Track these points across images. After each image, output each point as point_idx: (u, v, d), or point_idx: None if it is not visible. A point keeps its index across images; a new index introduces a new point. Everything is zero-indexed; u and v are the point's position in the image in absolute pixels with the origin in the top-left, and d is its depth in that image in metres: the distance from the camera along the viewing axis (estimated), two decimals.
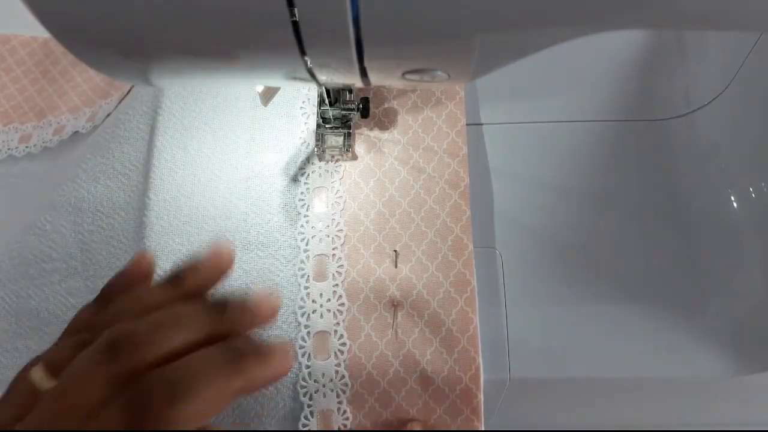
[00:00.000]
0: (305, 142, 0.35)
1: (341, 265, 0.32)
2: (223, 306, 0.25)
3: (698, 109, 0.39)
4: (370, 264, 0.32)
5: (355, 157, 0.34)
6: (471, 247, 0.32)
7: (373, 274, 0.32)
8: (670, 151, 0.38)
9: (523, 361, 0.33)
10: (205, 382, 0.22)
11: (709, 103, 0.38)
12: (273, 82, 0.29)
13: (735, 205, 0.36)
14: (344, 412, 0.30)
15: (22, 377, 0.24)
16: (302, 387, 0.30)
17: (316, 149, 0.34)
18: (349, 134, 0.34)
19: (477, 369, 0.31)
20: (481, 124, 0.40)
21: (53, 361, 0.24)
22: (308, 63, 0.20)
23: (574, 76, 0.41)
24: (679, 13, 0.17)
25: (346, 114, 0.34)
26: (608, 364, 0.33)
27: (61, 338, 0.26)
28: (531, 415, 0.36)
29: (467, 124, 0.36)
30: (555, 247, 0.36)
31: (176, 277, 0.27)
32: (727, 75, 0.37)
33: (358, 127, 0.35)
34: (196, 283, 0.27)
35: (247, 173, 0.35)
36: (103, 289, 0.28)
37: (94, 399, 0.22)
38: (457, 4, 0.17)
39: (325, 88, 0.33)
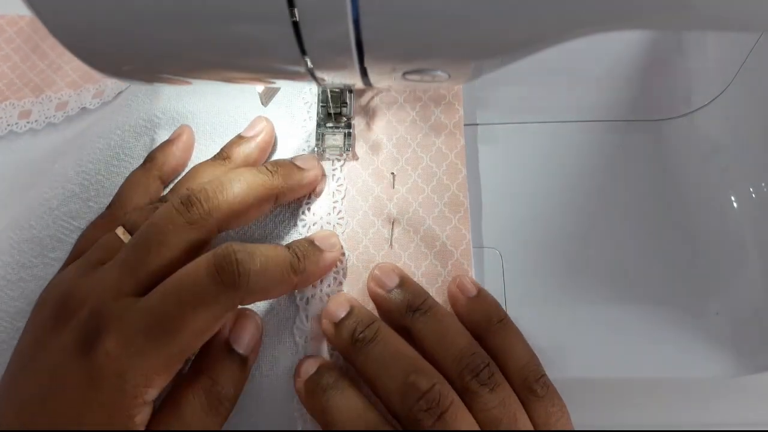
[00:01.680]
0: (305, 141, 0.35)
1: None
2: (274, 166, 0.30)
3: (698, 109, 0.39)
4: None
5: (355, 157, 0.34)
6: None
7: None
8: (670, 151, 0.38)
9: None
10: (275, 263, 0.26)
11: (709, 103, 0.38)
12: (273, 82, 0.29)
13: (735, 205, 0.36)
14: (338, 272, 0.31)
15: (107, 236, 0.29)
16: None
17: (316, 149, 0.34)
18: (350, 134, 0.34)
19: None
20: (481, 125, 0.40)
21: (133, 224, 0.29)
22: (308, 63, 0.20)
23: (574, 76, 0.41)
24: (678, 14, 0.17)
25: (346, 114, 0.34)
26: (608, 364, 0.33)
27: (122, 205, 0.32)
28: None
29: (466, 125, 0.36)
30: (555, 247, 0.36)
31: (224, 152, 0.33)
32: (727, 75, 0.37)
33: (359, 127, 0.35)
34: (243, 155, 0.33)
35: None
36: (148, 155, 0.34)
37: (173, 243, 0.26)
38: (457, 7, 0.17)
39: (326, 87, 0.33)
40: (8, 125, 0.40)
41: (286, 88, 0.36)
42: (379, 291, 0.29)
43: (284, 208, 0.34)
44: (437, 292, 0.31)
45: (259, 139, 0.33)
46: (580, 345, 0.34)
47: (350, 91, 0.33)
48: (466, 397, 0.26)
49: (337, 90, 0.33)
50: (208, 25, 0.18)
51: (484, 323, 0.29)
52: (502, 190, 0.38)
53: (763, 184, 0.35)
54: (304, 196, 0.33)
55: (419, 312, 0.28)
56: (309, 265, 0.28)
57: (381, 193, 0.34)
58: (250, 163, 0.33)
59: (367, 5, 0.17)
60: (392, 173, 0.33)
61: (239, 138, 0.34)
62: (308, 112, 0.36)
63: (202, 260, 0.25)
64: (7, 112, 0.41)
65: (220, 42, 0.19)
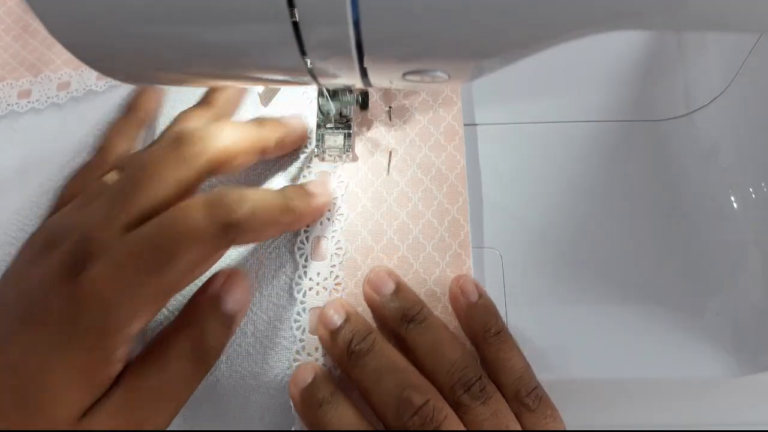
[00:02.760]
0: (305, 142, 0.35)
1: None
2: (261, 120, 0.31)
3: (698, 109, 0.39)
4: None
5: (355, 158, 0.34)
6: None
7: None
8: (670, 151, 0.38)
9: None
10: (266, 204, 0.27)
11: (709, 103, 0.38)
12: (273, 83, 0.29)
13: (735, 205, 0.36)
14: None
15: (98, 182, 0.29)
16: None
17: (316, 150, 0.34)
18: (350, 135, 0.34)
19: None
20: (481, 125, 0.40)
21: (121, 166, 0.30)
22: (308, 64, 0.20)
23: (574, 76, 0.41)
24: (678, 14, 0.17)
25: (346, 114, 0.34)
26: (608, 364, 0.33)
27: (109, 151, 0.33)
28: None
29: (466, 125, 0.36)
30: (555, 247, 0.36)
31: (209, 97, 0.34)
32: (727, 75, 0.37)
33: (358, 127, 0.35)
34: (226, 100, 0.34)
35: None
36: (127, 102, 0.36)
37: (164, 175, 0.26)
38: (457, 8, 0.17)
39: (325, 88, 0.33)
40: (8, 105, 0.40)
41: (286, 88, 0.36)
42: (375, 297, 0.29)
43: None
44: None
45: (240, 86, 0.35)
46: (580, 345, 0.33)
47: (350, 92, 0.33)
48: (459, 410, 0.26)
49: (337, 90, 0.33)
50: (208, 25, 0.18)
51: (481, 333, 0.29)
52: (502, 190, 0.38)
53: (763, 184, 0.35)
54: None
55: (414, 323, 0.28)
56: (300, 205, 0.29)
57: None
58: (232, 108, 0.35)
59: (367, 6, 0.17)
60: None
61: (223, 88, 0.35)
62: (309, 112, 0.36)
63: (195, 198, 0.26)
64: (6, 92, 0.41)
65: (219, 42, 0.19)
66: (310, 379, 0.28)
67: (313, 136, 0.34)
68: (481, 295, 0.30)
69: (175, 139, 0.27)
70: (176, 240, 0.24)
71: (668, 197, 0.37)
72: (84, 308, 0.23)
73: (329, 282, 0.31)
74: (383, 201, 0.33)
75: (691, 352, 0.33)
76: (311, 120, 0.35)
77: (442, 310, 0.31)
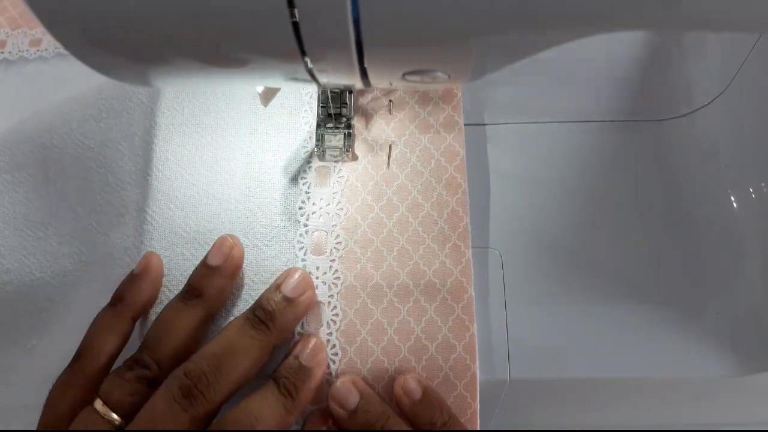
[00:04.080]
0: (306, 142, 0.35)
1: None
2: (268, 319, 0.29)
3: (698, 109, 0.39)
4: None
5: (355, 158, 0.34)
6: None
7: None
8: (670, 151, 0.38)
9: (523, 361, 0.33)
10: (270, 423, 0.26)
11: (709, 103, 0.38)
12: (273, 83, 0.29)
13: (735, 205, 0.36)
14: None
15: (86, 410, 0.27)
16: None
17: (316, 149, 0.34)
18: (350, 135, 0.34)
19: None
20: (481, 125, 0.40)
21: (115, 402, 0.28)
22: (308, 64, 0.20)
23: (574, 76, 0.41)
24: (678, 14, 0.17)
25: (346, 114, 0.34)
26: (608, 364, 0.33)
27: (94, 355, 0.30)
28: (531, 416, 0.36)
29: (466, 125, 0.36)
30: (555, 247, 0.36)
31: (194, 290, 0.31)
32: (727, 75, 0.37)
33: (358, 126, 0.35)
34: (215, 290, 0.31)
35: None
36: (115, 293, 0.32)
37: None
38: (457, 8, 0.17)
39: (326, 88, 0.33)
40: (19, 51, 0.42)
41: (286, 88, 0.36)
42: (340, 412, 0.29)
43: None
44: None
45: (228, 266, 0.31)
46: (580, 345, 0.34)
47: (350, 92, 0.33)
48: None
49: (336, 90, 0.33)
50: (207, 24, 0.18)
51: (429, 427, 0.29)
52: (503, 190, 0.38)
53: (763, 184, 0.35)
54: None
55: None
56: (302, 397, 0.28)
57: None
58: (223, 297, 0.31)
59: (367, 5, 0.17)
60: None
61: (207, 269, 0.31)
62: (308, 110, 0.36)
63: None
64: (19, 39, 0.42)
65: (219, 42, 0.19)
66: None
67: (313, 135, 0.35)
68: (425, 389, 0.30)
69: (184, 389, 0.26)
70: None
71: (668, 197, 0.37)
72: None
73: (329, 276, 0.31)
74: (383, 194, 0.34)
75: (691, 352, 0.33)
76: (311, 122, 0.35)
77: (440, 302, 0.31)
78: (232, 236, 0.32)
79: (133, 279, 0.32)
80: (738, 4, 0.17)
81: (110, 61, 0.21)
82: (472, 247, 0.32)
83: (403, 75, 0.21)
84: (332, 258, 0.32)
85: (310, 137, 0.35)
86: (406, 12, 0.17)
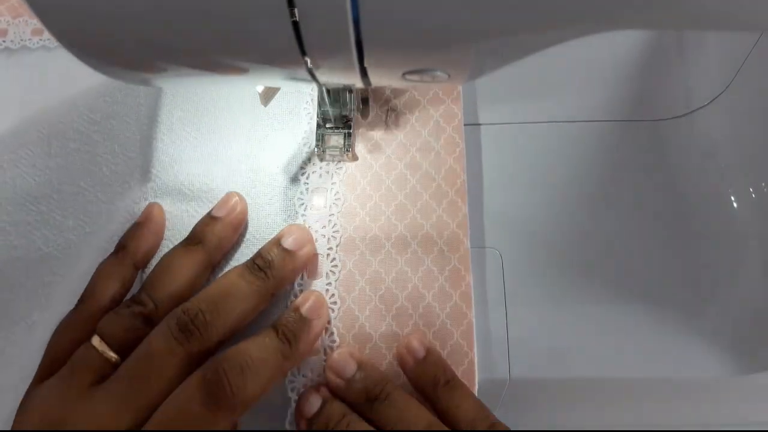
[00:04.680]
0: (306, 142, 0.35)
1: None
2: (267, 267, 0.29)
3: (698, 109, 0.39)
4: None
5: (355, 158, 0.35)
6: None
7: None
8: (670, 151, 0.38)
9: (523, 361, 0.33)
10: (265, 365, 0.26)
11: (709, 103, 0.38)
12: (273, 82, 0.29)
13: (735, 205, 0.36)
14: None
15: (84, 345, 0.28)
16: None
17: (316, 149, 0.34)
18: (350, 135, 0.34)
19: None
20: (481, 125, 0.40)
21: (111, 335, 0.28)
22: (308, 63, 0.20)
23: (574, 76, 0.41)
24: (678, 13, 0.17)
25: (346, 114, 0.34)
26: (608, 364, 0.33)
27: (96, 299, 0.30)
28: (531, 415, 0.36)
29: (466, 125, 0.36)
30: (555, 246, 0.36)
31: (196, 237, 0.32)
32: (727, 75, 0.37)
33: (359, 127, 0.35)
34: (217, 238, 0.32)
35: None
36: (118, 242, 0.33)
37: (171, 374, 0.26)
38: (457, 7, 0.17)
39: (326, 88, 0.33)
40: (21, 40, 0.41)
41: (286, 87, 0.36)
42: (338, 381, 0.29)
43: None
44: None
45: (231, 218, 0.32)
46: (580, 345, 0.34)
47: (350, 92, 0.33)
48: None
49: (337, 90, 0.33)
50: (207, 24, 0.18)
51: (431, 386, 0.29)
52: (503, 190, 0.38)
53: (763, 184, 0.35)
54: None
55: (377, 401, 0.28)
56: (300, 345, 0.28)
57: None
58: (224, 246, 0.32)
59: (367, 5, 0.17)
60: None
61: (210, 218, 0.32)
62: (308, 109, 0.36)
63: (193, 387, 0.25)
64: (20, 28, 0.42)
65: (219, 42, 0.19)
66: (316, 407, 0.28)
67: (313, 135, 0.35)
68: (428, 350, 0.30)
69: (181, 325, 0.27)
70: None
71: (668, 197, 0.37)
72: None
73: (328, 230, 0.32)
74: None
75: (691, 352, 0.33)
76: (311, 122, 0.35)
77: (437, 253, 0.32)
78: (237, 193, 0.33)
79: (135, 228, 0.33)
80: (738, 4, 0.17)
81: (110, 61, 0.21)
82: (471, 248, 0.33)
83: (403, 74, 0.21)
84: (331, 212, 0.33)
85: (310, 137, 0.35)
86: (406, 12, 0.17)
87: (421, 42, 0.19)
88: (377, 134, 0.35)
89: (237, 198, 0.33)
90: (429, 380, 0.29)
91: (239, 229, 0.33)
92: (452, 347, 0.31)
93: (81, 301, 0.31)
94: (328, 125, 0.34)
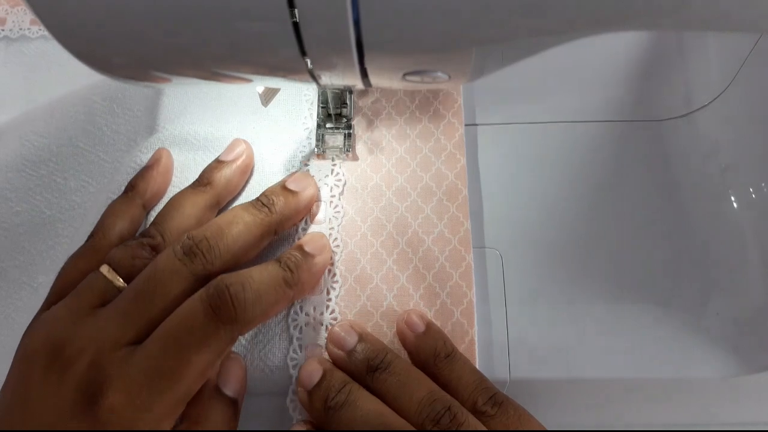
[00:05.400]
0: (306, 142, 0.35)
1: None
2: (268, 199, 0.30)
3: (698, 109, 0.39)
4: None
5: (355, 158, 0.35)
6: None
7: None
8: (670, 151, 0.38)
9: (523, 361, 0.33)
10: (267, 287, 0.27)
11: (709, 103, 0.38)
12: (273, 83, 0.29)
13: (735, 205, 0.36)
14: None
15: (92, 273, 0.28)
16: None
17: (316, 149, 0.34)
18: (350, 135, 0.34)
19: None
20: (481, 125, 0.40)
21: (118, 263, 0.29)
22: (309, 64, 0.20)
23: (574, 76, 0.41)
24: (679, 15, 0.17)
25: (346, 114, 0.34)
26: (608, 364, 0.33)
27: (105, 234, 0.31)
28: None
29: (466, 125, 0.36)
30: (555, 246, 0.36)
31: (204, 178, 0.33)
32: (727, 75, 0.37)
33: (358, 127, 0.35)
34: (225, 180, 0.33)
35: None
36: (127, 183, 0.34)
37: (175, 292, 0.26)
38: (458, 9, 0.17)
39: (326, 88, 0.33)
40: (20, 29, 0.42)
41: (287, 88, 0.36)
42: (339, 353, 0.29)
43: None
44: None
45: (239, 162, 0.33)
46: (580, 345, 0.34)
47: (350, 92, 0.33)
48: None
49: (337, 91, 0.33)
50: (208, 25, 0.18)
51: (431, 360, 0.29)
52: (502, 191, 0.38)
53: (763, 184, 0.35)
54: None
55: (378, 371, 0.28)
56: (302, 275, 0.29)
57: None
58: (232, 188, 0.33)
59: (367, 5, 0.17)
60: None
61: (218, 162, 0.33)
62: (309, 109, 0.36)
63: (196, 300, 0.25)
64: (19, 17, 0.42)
65: (220, 42, 0.19)
66: (317, 378, 0.28)
67: (313, 136, 0.35)
68: (428, 324, 0.30)
69: (186, 248, 0.27)
70: (184, 352, 0.24)
71: (668, 197, 0.37)
72: None
73: (330, 179, 0.33)
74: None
75: (691, 352, 0.33)
76: (311, 121, 0.35)
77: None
78: (244, 140, 0.34)
79: (144, 169, 0.34)
80: (738, 4, 0.17)
81: (109, 59, 0.21)
82: (472, 247, 0.33)
83: (404, 75, 0.21)
84: (335, 162, 0.34)
85: (311, 137, 0.35)
86: (407, 13, 0.17)
87: (422, 43, 0.19)
88: (377, 134, 0.35)
89: (244, 144, 0.34)
90: (429, 353, 0.29)
91: (246, 173, 0.34)
92: (452, 288, 0.32)
93: (90, 236, 0.31)
94: (328, 125, 0.34)
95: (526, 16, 0.17)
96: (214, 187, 0.32)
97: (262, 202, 0.30)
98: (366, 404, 0.27)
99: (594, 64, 0.40)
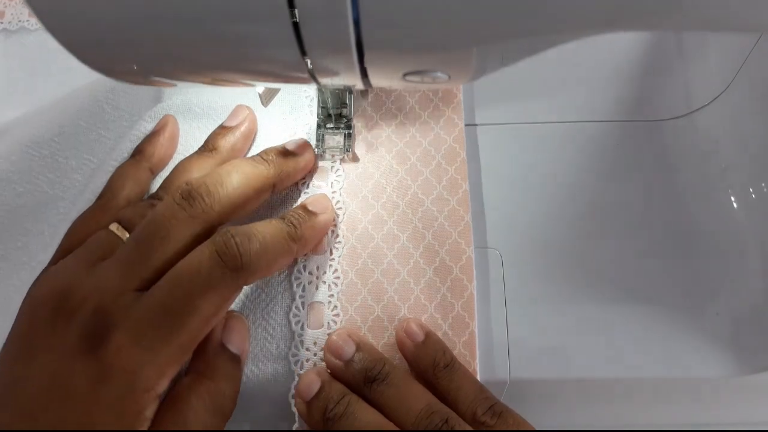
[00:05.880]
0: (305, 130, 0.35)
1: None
2: (268, 155, 0.31)
3: (698, 109, 0.39)
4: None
5: (356, 158, 0.35)
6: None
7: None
8: (670, 151, 0.38)
9: (523, 361, 0.33)
10: (272, 239, 0.27)
11: (709, 103, 0.38)
12: (273, 83, 0.29)
13: (735, 205, 0.36)
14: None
15: (101, 230, 0.29)
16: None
17: (316, 149, 0.34)
18: (350, 135, 0.34)
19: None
20: (481, 125, 0.40)
21: (128, 221, 0.29)
22: (309, 64, 0.20)
23: (574, 77, 0.41)
24: (679, 15, 0.17)
25: (346, 114, 0.34)
26: (608, 364, 0.33)
27: (113, 195, 0.32)
28: (531, 416, 0.36)
29: (466, 125, 0.36)
30: (555, 247, 0.36)
31: (209, 144, 0.34)
32: (727, 75, 0.37)
33: (358, 127, 0.35)
34: (229, 145, 0.33)
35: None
36: (135, 148, 0.34)
37: (176, 236, 0.26)
38: (458, 9, 0.17)
39: (326, 88, 0.33)
40: (19, 21, 0.42)
41: (287, 87, 0.36)
42: (336, 363, 0.29)
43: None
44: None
45: (243, 128, 0.34)
46: (580, 345, 0.34)
47: (350, 92, 0.33)
48: None
49: (337, 91, 0.33)
50: (207, 25, 0.18)
51: (431, 370, 0.29)
52: (502, 191, 0.38)
53: (763, 184, 0.35)
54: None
55: (376, 382, 0.28)
56: (306, 231, 0.29)
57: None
58: (236, 153, 0.34)
59: (367, 5, 0.17)
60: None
61: (223, 128, 0.34)
62: (309, 107, 0.36)
63: (203, 248, 0.26)
64: (18, 9, 0.42)
65: (220, 43, 0.19)
66: (316, 389, 0.28)
67: (314, 136, 0.35)
68: (427, 333, 0.30)
69: (185, 193, 0.27)
70: (190, 298, 0.25)
71: (668, 197, 0.37)
72: (110, 380, 0.24)
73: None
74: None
75: (691, 352, 0.33)
76: (311, 120, 0.35)
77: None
78: (247, 106, 0.35)
79: (150, 135, 0.35)
80: (738, 4, 0.17)
81: (110, 60, 0.21)
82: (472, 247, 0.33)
83: (404, 75, 0.21)
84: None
85: (311, 137, 0.35)
86: (407, 12, 0.17)
87: (422, 43, 0.19)
88: (376, 134, 0.35)
89: (247, 110, 0.35)
90: (429, 363, 0.29)
91: (250, 138, 0.35)
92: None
93: (99, 198, 0.32)
94: (328, 125, 0.34)
95: (525, 16, 0.17)
96: (220, 152, 0.33)
97: (261, 157, 0.31)
98: (364, 416, 0.27)
99: (594, 64, 0.40)
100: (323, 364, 0.30)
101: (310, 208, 0.31)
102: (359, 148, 0.35)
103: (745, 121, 0.37)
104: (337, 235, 0.33)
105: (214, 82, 0.24)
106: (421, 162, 0.34)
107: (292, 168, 0.32)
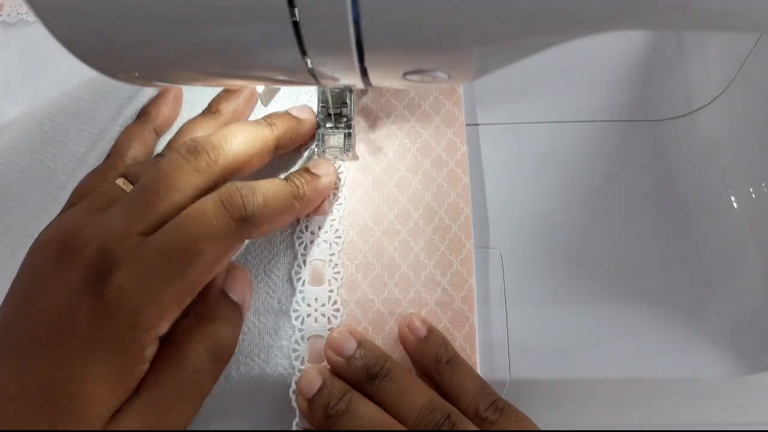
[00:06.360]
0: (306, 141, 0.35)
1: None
2: (273, 123, 0.32)
3: (698, 109, 0.39)
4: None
5: (356, 158, 0.35)
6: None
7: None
8: (670, 151, 0.38)
9: (523, 361, 0.33)
10: (275, 195, 0.28)
11: (709, 103, 0.38)
12: (273, 83, 0.29)
13: (735, 205, 0.36)
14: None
15: (108, 185, 0.29)
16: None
17: (316, 149, 0.34)
18: (350, 134, 0.34)
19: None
20: (481, 125, 0.40)
21: (134, 176, 0.30)
22: (309, 63, 0.20)
23: (574, 76, 0.41)
24: (680, 14, 0.17)
25: (346, 114, 0.34)
26: (608, 364, 0.33)
27: (120, 155, 0.33)
28: (531, 416, 0.36)
29: (467, 125, 0.36)
30: (555, 247, 0.36)
31: (213, 107, 0.35)
32: (727, 75, 0.37)
33: (358, 126, 0.35)
34: (232, 107, 0.34)
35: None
36: (140, 110, 0.35)
37: (180, 186, 0.27)
38: (459, 8, 0.17)
39: (326, 88, 0.33)
40: (18, 14, 0.42)
41: (286, 88, 0.36)
42: (338, 360, 0.29)
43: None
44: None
45: (245, 91, 0.35)
46: (580, 345, 0.34)
47: (350, 92, 0.33)
48: None
49: (337, 90, 0.33)
50: (208, 25, 0.18)
51: (433, 365, 0.29)
52: (503, 191, 0.38)
53: (763, 184, 0.35)
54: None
55: (378, 378, 0.28)
56: (308, 191, 0.30)
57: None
58: (239, 116, 0.35)
59: (367, 5, 0.17)
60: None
61: (226, 92, 0.35)
62: (308, 101, 0.36)
63: (208, 197, 0.26)
64: (17, 2, 0.43)
65: (220, 42, 0.19)
66: (317, 387, 0.28)
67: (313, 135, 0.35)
68: (430, 329, 0.30)
69: (190, 147, 0.28)
70: (194, 241, 0.25)
71: (668, 197, 0.37)
72: (111, 317, 0.24)
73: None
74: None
75: (691, 352, 0.33)
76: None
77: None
78: None
79: (155, 97, 0.36)
80: (738, 4, 0.17)
81: (110, 61, 0.21)
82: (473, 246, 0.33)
83: (404, 75, 0.21)
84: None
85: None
86: (407, 12, 0.17)
87: (422, 43, 0.19)
88: (378, 134, 0.35)
89: None
90: (431, 359, 0.29)
91: (253, 101, 0.36)
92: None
93: (106, 158, 0.33)
94: (328, 125, 0.34)
95: (526, 15, 0.17)
96: (223, 114, 0.34)
97: (265, 120, 0.32)
98: (366, 412, 0.27)
99: (594, 64, 0.40)
100: (324, 320, 0.31)
101: (313, 170, 0.31)
102: (359, 144, 0.35)
103: (745, 121, 0.37)
104: (339, 197, 0.33)
105: (214, 82, 0.24)
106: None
107: (295, 130, 0.33)
